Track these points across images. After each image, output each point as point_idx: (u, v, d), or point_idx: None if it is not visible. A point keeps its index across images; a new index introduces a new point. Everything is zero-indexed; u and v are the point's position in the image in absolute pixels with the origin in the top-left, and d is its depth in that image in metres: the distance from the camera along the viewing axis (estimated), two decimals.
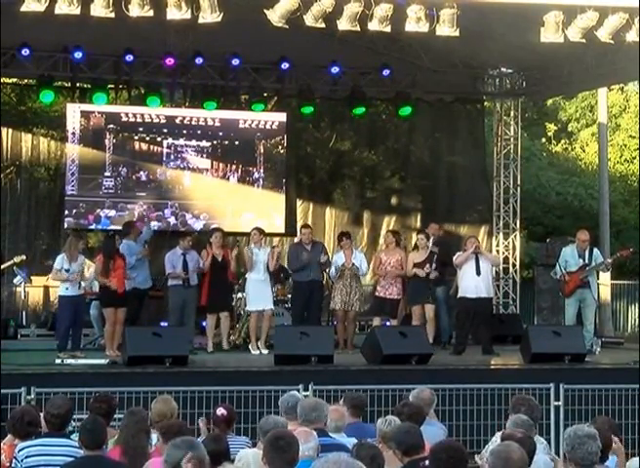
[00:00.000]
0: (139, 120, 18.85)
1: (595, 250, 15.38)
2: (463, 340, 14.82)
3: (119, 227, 18.26)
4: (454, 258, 14.81)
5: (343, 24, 12.69)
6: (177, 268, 14.82)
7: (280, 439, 5.46)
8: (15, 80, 20.43)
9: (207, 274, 14.79)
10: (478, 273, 14.58)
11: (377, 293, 15.27)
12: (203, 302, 14.87)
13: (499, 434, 7.53)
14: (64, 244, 14.45)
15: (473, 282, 14.58)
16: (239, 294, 15.90)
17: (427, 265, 14.83)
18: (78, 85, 18.49)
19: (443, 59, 18.86)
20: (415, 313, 14.91)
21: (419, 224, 20.05)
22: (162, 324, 15.15)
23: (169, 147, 18.97)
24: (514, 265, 20.18)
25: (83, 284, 13.87)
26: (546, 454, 7.05)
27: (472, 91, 20.58)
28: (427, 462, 5.68)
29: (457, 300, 14.94)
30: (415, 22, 12.69)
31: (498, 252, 19.97)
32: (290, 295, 16.25)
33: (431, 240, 15.42)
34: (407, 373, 12.35)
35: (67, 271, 13.62)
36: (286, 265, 16.59)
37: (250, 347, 14.80)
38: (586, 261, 14.87)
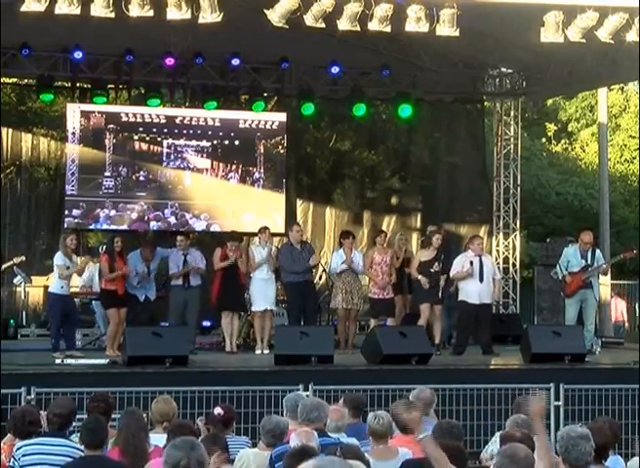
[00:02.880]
0: (139, 120, 18.84)
1: (598, 251, 15.33)
2: (464, 341, 14.79)
3: (119, 227, 18.37)
4: (451, 273, 14.65)
5: (343, 24, 12.68)
6: (179, 268, 14.80)
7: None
8: (15, 80, 20.44)
9: (219, 273, 14.76)
10: (481, 280, 14.50)
11: (372, 295, 15.15)
12: (213, 301, 14.81)
13: (498, 434, 7.54)
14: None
15: (476, 288, 14.47)
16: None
17: (436, 263, 14.73)
18: (78, 85, 18.48)
19: (443, 59, 18.89)
20: (423, 312, 14.77)
21: (419, 224, 20.08)
22: (162, 324, 15.13)
23: (169, 147, 18.96)
24: (514, 265, 20.18)
25: (80, 282, 13.86)
26: None
27: (472, 91, 20.58)
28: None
29: (457, 302, 14.89)
30: (415, 22, 12.69)
31: (498, 252, 19.98)
32: None
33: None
34: (407, 373, 12.34)
35: (67, 269, 13.66)
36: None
37: (256, 347, 14.72)
38: (589, 262, 14.85)
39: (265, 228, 15.28)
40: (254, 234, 16.12)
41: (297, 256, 15.08)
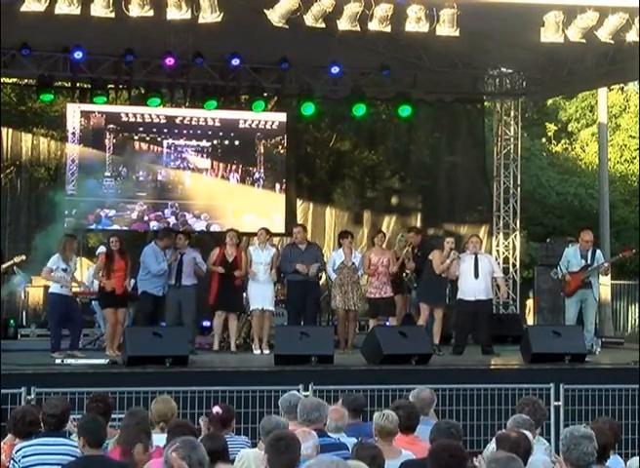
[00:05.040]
0: (139, 120, 18.83)
1: (598, 251, 15.33)
2: (463, 341, 14.80)
3: (119, 227, 18.36)
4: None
5: (343, 24, 12.69)
6: (172, 270, 14.78)
7: (280, 440, 5.45)
8: (15, 80, 20.45)
9: (215, 273, 14.75)
10: (476, 276, 14.57)
11: (370, 295, 15.13)
12: (211, 301, 14.82)
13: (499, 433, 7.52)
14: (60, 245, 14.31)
15: (471, 284, 14.56)
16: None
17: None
18: (78, 85, 18.47)
19: (443, 59, 18.90)
20: (423, 311, 14.80)
21: (419, 224, 20.05)
22: (162, 324, 15.12)
23: (169, 147, 18.96)
24: (514, 265, 20.18)
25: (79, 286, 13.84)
26: (548, 456, 7.02)
27: (472, 91, 20.59)
28: None
29: (456, 301, 14.92)
30: (415, 22, 12.70)
31: (498, 252, 19.99)
32: None
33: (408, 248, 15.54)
34: (407, 373, 12.34)
35: (65, 271, 13.62)
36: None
37: (253, 347, 14.75)
38: (589, 262, 14.85)
39: (262, 229, 15.24)
40: (254, 234, 16.10)
41: (297, 256, 15.06)
